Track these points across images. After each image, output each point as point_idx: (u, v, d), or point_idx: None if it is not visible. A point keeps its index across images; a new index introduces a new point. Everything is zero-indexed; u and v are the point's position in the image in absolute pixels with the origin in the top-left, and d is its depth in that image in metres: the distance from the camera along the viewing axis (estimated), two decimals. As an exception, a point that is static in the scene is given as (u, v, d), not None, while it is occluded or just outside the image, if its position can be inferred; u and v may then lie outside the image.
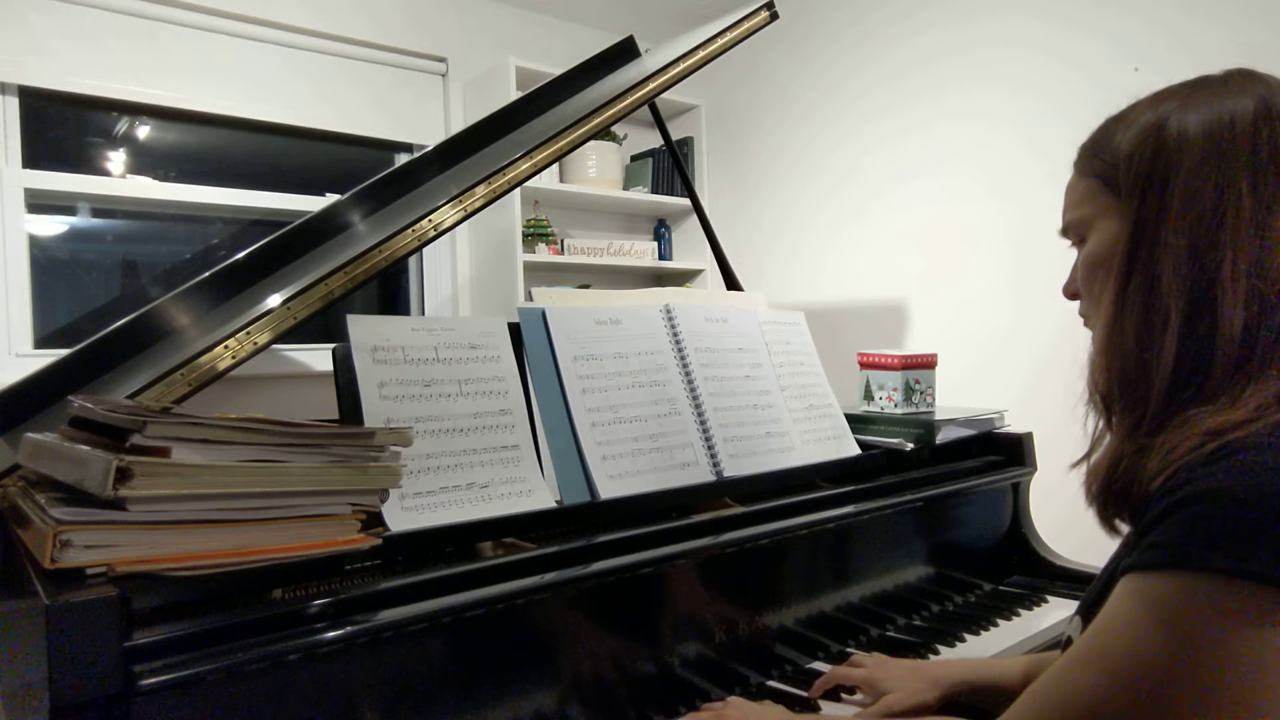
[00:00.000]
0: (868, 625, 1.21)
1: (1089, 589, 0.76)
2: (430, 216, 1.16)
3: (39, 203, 2.29)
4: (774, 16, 1.62)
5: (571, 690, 0.88)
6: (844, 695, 1.02)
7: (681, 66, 1.46)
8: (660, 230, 3.44)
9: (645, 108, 1.52)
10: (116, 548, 0.67)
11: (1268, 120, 0.63)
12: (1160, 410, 0.64)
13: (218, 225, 2.64)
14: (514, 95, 2.37)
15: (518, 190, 2.23)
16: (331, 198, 1.67)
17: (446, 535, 0.95)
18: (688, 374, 1.27)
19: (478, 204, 1.21)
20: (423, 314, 3.01)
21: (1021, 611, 1.32)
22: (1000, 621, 1.28)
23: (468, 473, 1.02)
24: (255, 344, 1.00)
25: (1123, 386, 0.68)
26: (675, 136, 3.08)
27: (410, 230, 1.14)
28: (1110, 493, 0.67)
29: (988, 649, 1.18)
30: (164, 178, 2.50)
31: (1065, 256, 0.79)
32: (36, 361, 1.49)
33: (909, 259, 2.67)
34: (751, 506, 1.15)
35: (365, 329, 1.02)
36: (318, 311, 1.06)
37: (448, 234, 1.28)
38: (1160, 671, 0.55)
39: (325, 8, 2.65)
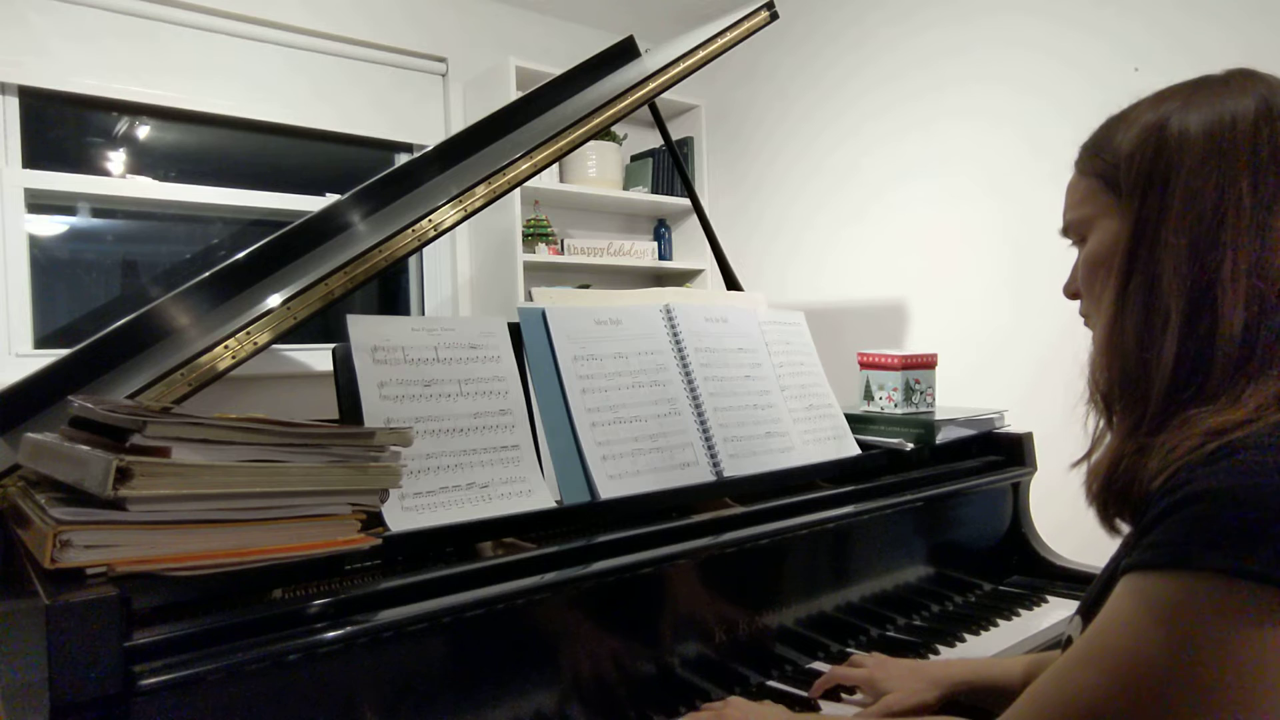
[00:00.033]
0: (868, 625, 1.21)
1: (1089, 589, 0.76)
2: (430, 216, 1.16)
3: (39, 203, 2.29)
4: (774, 16, 1.62)
5: (571, 690, 0.88)
6: (844, 695, 1.02)
7: (681, 66, 1.46)
8: (660, 230, 3.44)
9: (645, 108, 1.52)
10: (116, 548, 0.67)
11: (1269, 120, 0.63)
12: (1160, 410, 0.64)
13: (218, 225, 2.64)
14: (514, 95, 2.37)
15: (518, 190, 2.23)
16: (331, 198, 1.67)
17: (446, 535, 0.95)
18: (688, 374, 1.27)
19: (478, 204, 1.21)
20: (423, 314, 3.01)
21: (1021, 611, 1.32)
22: (1000, 621, 1.28)
23: (468, 473, 1.02)
24: (255, 344, 1.00)
25: (1123, 386, 0.68)
26: (675, 136, 3.08)
27: (410, 230, 1.14)
28: (1110, 492, 0.67)
29: (988, 649, 1.18)
30: (164, 178, 2.50)
31: (1065, 256, 0.79)
32: (36, 361, 1.49)
33: (909, 259, 2.67)
34: (751, 506, 1.15)
35: (365, 329, 1.02)
36: (318, 311, 1.06)
37: (448, 234, 1.28)
38: (1160, 671, 0.55)
39: (325, 8, 2.65)
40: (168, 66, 2.40)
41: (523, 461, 1.07)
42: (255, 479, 0.74)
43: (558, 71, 1.80)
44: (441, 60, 2.94)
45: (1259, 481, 0.54)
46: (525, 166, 1.26)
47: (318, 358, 2.33)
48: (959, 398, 1.90)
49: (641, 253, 3.22)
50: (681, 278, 3.41)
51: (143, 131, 2.49)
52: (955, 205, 2.53)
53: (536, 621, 0.87)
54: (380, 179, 1.58)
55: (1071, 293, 0.78)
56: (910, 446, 1.42)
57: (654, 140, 3.35)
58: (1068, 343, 0.88)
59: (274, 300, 1.04)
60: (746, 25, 1.57)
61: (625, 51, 1.87)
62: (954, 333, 2.51)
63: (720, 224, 2.93)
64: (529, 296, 2.79)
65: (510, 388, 1.10)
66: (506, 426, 1.08)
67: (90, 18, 2.28)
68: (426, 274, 3.01)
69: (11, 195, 2.21)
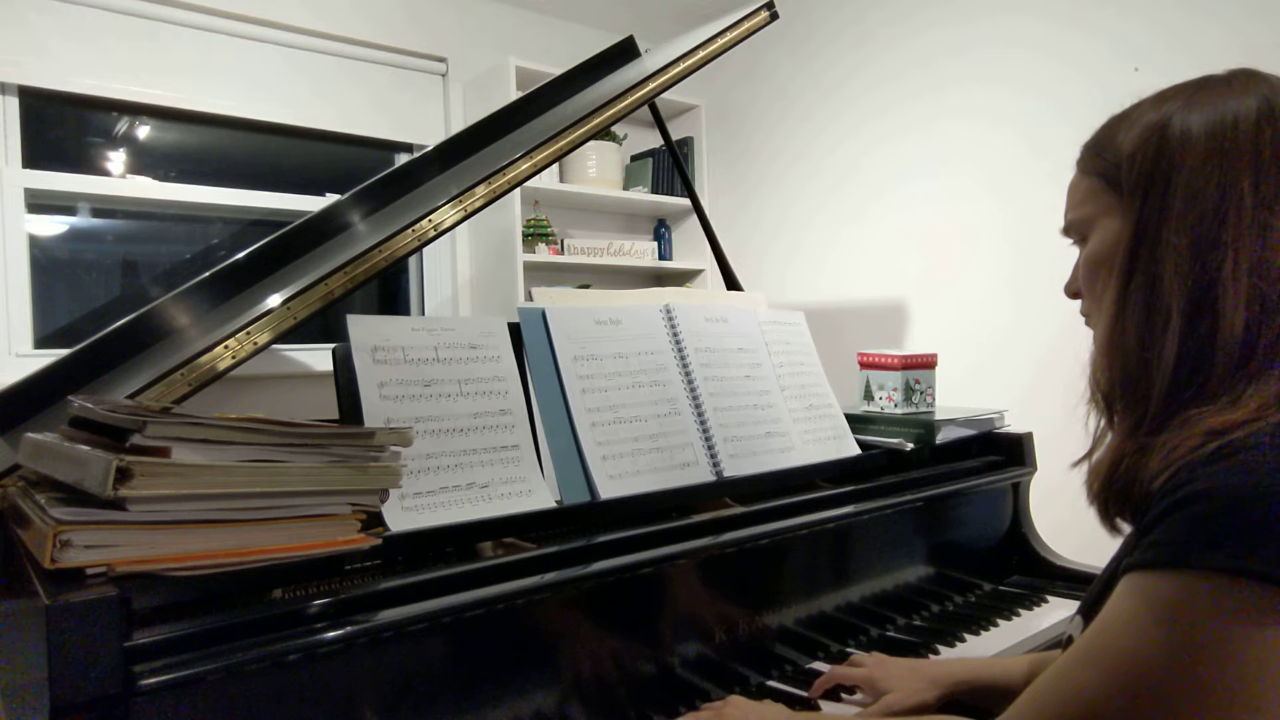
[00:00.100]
0: (868, 625, 1.21)
1: (1090, 588, 0.76)
2: (430, 216, 1.16)
3: (39, 203, 2.29)
4: (774, 16, 1.62)
5: (571, 690, 0.88)
6: (844, 695, 1.02)
7: (681, 66, 1.46)
8: (660, 230, 3.44)
9: (645, 108, 1.52)
10: (116, 548, 0.67)
11: (1270, 120, 0.63)
12: (1161, 409, 0.65)
13: (218, 225, 2.64)
14: (514, 95, 2.37)
15: (518, 190, 2.23)
16: (331, 198, 1.67)
17: (446, 535, 0.95)
18: (688, 374, 1.27)
19: (478, 204, 1.21)
20: (423, 314, 3.01)
21: (1021, 611, 1.32)
22: (1000, 621, 1.28)
23: (468, 473, 1.02)
24: (255, 344, 1.00)
25: (1124, 385, 0.68)
26: (675, 136, 3.08)
27: (410, 230, 1.14)
28: (1111, 492, 0.68)
29: (988, 649, 1.18)
30: (164, 178, 2.50)
31: (1065, 256, 0.79)
32: (36, 361, 1.49)
33: (909, 259, 2.67)
34: (751, 506, 1.14)
35: (365, 329, 1.02)
36: (318, 311, 1.06)
37: (448, 234, 1.28)
38: (1161, 670, 0.55)
39: (325, 8, 2.65)
40: (168, 66, 2.40)
41: (523, 461, 1.07)
42: (255, 479, 0.73)
43: (558, 71, 1.80)
44: (441, 60, 2.94)
45: (1260, 481, 0.54)
46: (525, 166, 1.26)
47: (318, 358, 2.32)
48: (959, 398, 1.90)
49: (641, 253, 3.22)
50: (681, 278, 3.41)
51: (143, 131, 2.49)
52: (955, 205, 2.53)
53: (536, 621, 0.87)
54: (380, 179, 1.58)
55: (1072, 292, 0.78)
56: (910, 446, 1.42)
57: (654, 140, 3.35)
58: (1068, 343, 0.88)
59: (274, 300, 1.04)
60: (746, 25, 1.57)
61: (625, 51, 1.87)
62: (954, 333, 2.51)
63: (720, 224, 2.93)
64: (529, 296, 2.79)
65: (510, 388, 1.10)
66: (506, 426, 1.08)
67: (90, 18, 2.28)
68: (426, 274, 3.01)
69: (11, 195, 2.21)
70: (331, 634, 0.72)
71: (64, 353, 1.26)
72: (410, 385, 1.02)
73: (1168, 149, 0.66)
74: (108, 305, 2.44)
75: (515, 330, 1.15)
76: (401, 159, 2.80)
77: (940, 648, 1.17)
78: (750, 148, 3.22)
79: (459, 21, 2.96)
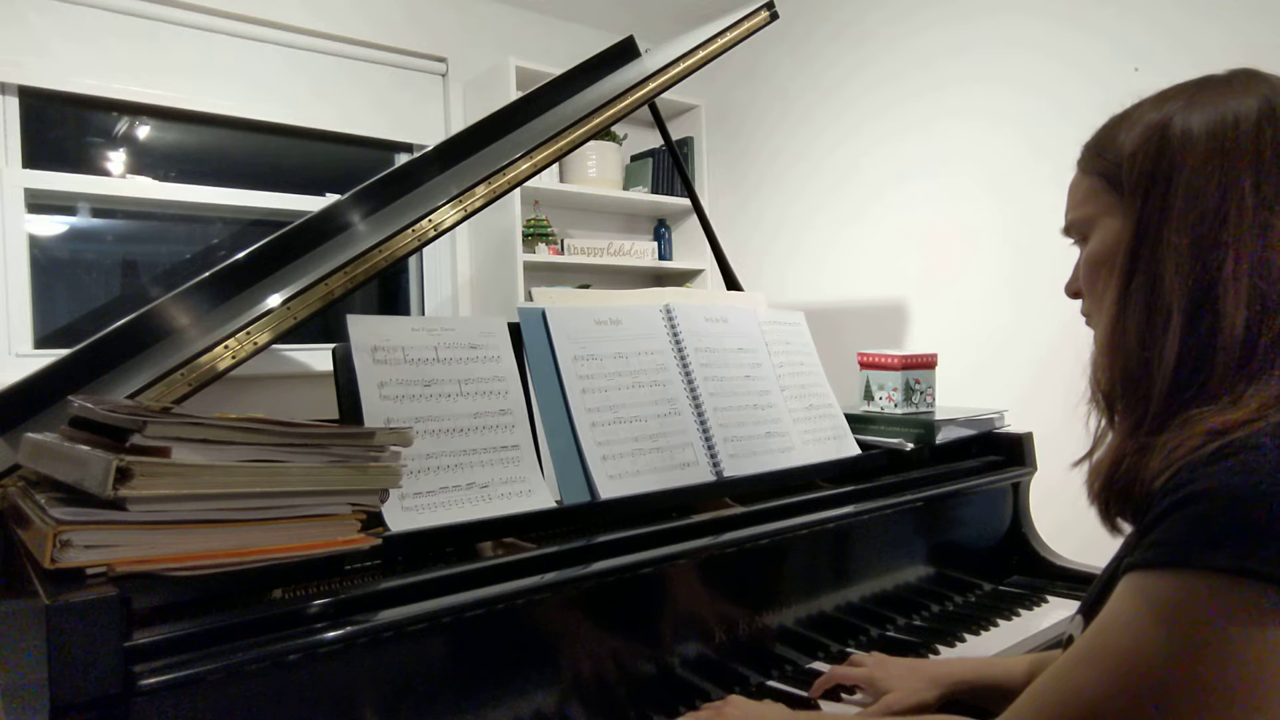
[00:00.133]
0: (868, 625, 1.21)
1: (1091, 588, 0.76)
2: (430, 216, 1.16)
3: (39, 203, 2.29)
4: (774, 16, 1.62)
5: (571, 690, 0.88)
6: (844, 695, 1.02)
7: (681, 66, 1.46)
8: (660, 230, 3.44)
9: (645, 108, 1.52)
10: (116, 548, 0.67)
11: (1271, 120, 0.64)
12: (1162, 409, 0.65)
13: (218, 225, 2.64)
14: (514, 95, 2.37)
15: (518, 190, 2.23)
16: (331, 198, 1.67)
17: (446, 535, 0.95)
18: (688, 374, 1.27)
19: (478, 204, 1.21)
20: (423, 314, 3.01)
21: (1021, 611, 1.32)
22: (1000, 621, 1.28)
23: (468, 473, 1.02)
24: (255, 344, 1.00)
25: (1125, 385, 0.68)
26: (675, 136, 3.08)
27: (410, 230, 1.14)
28: (1112, 491, 0.68)
29: (988, 649, 1.18)
30: (164, 178, 2.50)
31: (1066, 256, 0.79)
32: (36, 361, 1.49)
33: (909, 259, 2.67)
34: (751, 506, 1.14)
35: (365, 329, 1.02)
36: (318, 311, 1.06)
37: (448, 234, 1.28)
38: (1161, 670, 0.55)
39: (325, 8, 2.65)
40: (168, 66, 2.40)
41: (523, 461, 1.07)
42: (255, 479, 0.73)
43: (558, 71, 1.80)
44: (441, 60, 2.94)
45: (1261, 481, 0.54)
46: (525, 166, 1.26)
47: (318, 358, 2.32)
48: (959, 398, 1.90)
49: (641, 253, 3.22)
50: (681, 278, 3.41)
51: (143, 131, 2.49)
52: (955, 205, 2.53)
53: (536, 621, 0.87)
54: (380, 179, 1.58)
55: (1073, 292, 0.78)
56: (910, 446, 1.42)
57: (654, 140, 3.35)
58: (1068, 343, 0.88)
59: (274, 300, 1.04)
60: (746, 25, 1.57)
61: (625, 51, 1.87)
62: (954, 333, 2.51)
63: (720, 224, 2.93)
64: (529, 296, 2.79)
65: (510, 388, 1.10)
66: (506, 426, 1.08)
67: (90, 18, 2.28)
68: (426, 274, 3.01)
69: (11, 195, 2.21)
70: (331, 634, 0.72)
71: (64, 353, 1.26)
72: (410, 385, 1.02)
73: (1169, 149, 0.66)
74: (108, 305, 2.44)
75: (515, 330, 1.15)
76: (401, 159, 2.80)
77: (940, 648, 1.17)
78: (750, 148, 3.22)
79: (459, 21, 2.96)
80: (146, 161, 2.49)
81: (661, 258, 3.33)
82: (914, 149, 2.64)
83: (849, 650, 1.14)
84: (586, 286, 3.09)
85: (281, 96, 2.61)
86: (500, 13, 3.06)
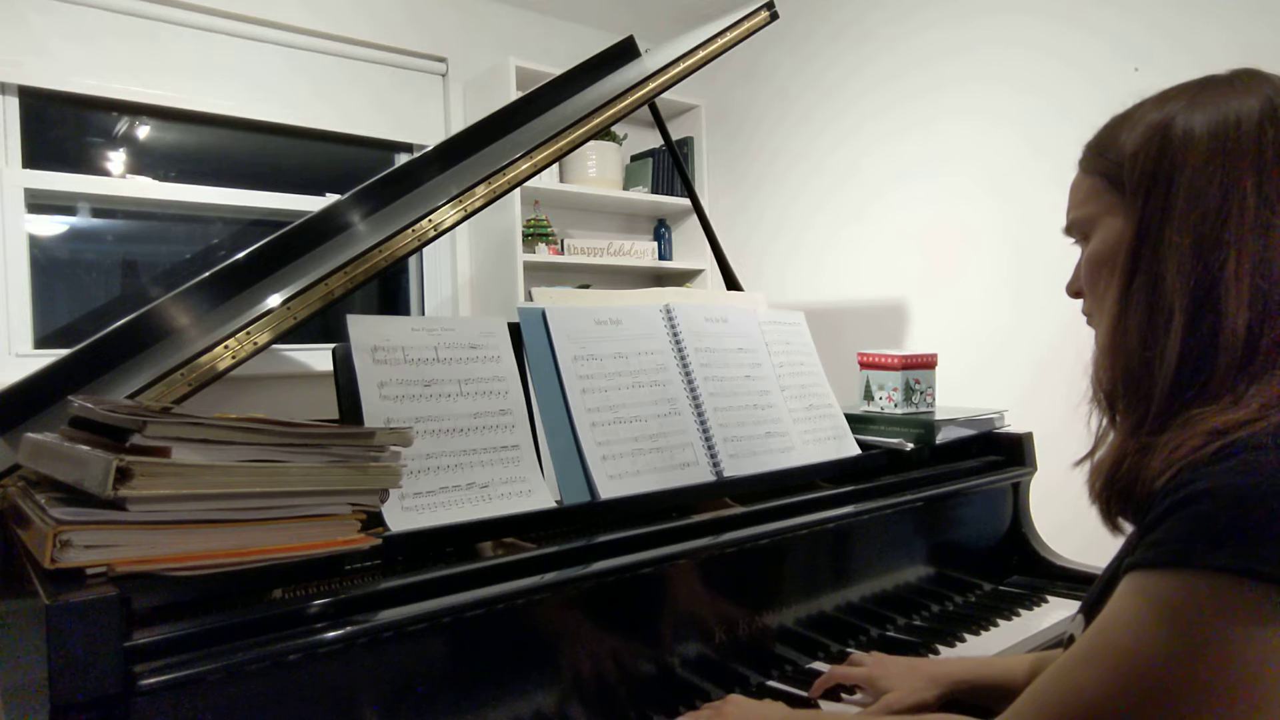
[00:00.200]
0: (868, 625, 1.21)
1: (1092, 588, 0.76)
2: (430, 216, 1.16)
3: (39, 203, 2.29)
4: (774, 16, 1.62)
5: (571, 690, 0.88)
6: (844, 695, 1.02)
7: (681, 66, 1.46)
8: (660, 230, 3.44)
9: (645, 108, 1.52)
10: (116, 548, 0.67)
11: (1273, 121, 0.64)
12: (1163, 409, 0.65)
13: (218, 225, 2.64)
14: (514, 95, 2.37)
15: (518, 190, 2.23)
16: (331, 198, 1.67)
17: (446, 535, 0.95)
18: (688, 374, 1.27)
19: (478, 204, 1.21)
20: (423, 314, 3.01)
21: (1021, 611, 1.32)
22: (1000, 621, 1.28)
23: (468, 473, 1.02)
24: (255, 344, 1.00)
25: (1126, 385, 0.68)
26: (675, 136, 3.08)
27: (410, 230, 1.14)
28: (1113, 491, 0.68)
29: (988, 649, 1.18)
30: (164, 178, 2.50)
31: (1066, 257, 0.79)
32: (36, 361, 1.49)
33: (909, 259, 2.67)
34: (751, 506, 1.14)
35: (365, 329, 1.02)
36: (318, 311, 1.06)
37: (448, 234, 1.28)
38: (1162, 669, 0.55)
39: (325, 8, 2.65)
40: (168, 66, 2.40)
41: (523, 461, 1.07)
42: (255, 479, 0.73)
43: (558, 71, 1.80)
44: (441, 60, 2.94)
45: (1262, 481, 0.54)
46: (525, 166, 1.25)
47: (318, 358, 2.32)
48: (959, 398, 1.90)
49: (641, 253, 3.22)
50: (681, 278, 3.41)
51: (143, 131, 2.49)
52: (955, 205, 2.53)
53: (536, 621, 0.87)
54: (380, 179, 1.58)
55: (1074, 292, 0.78)
56: (910, 446, 1.42)
57: (654, 140, 3.35)
58: (1068, 343, 0.88)
59: (274, 300, 1.04)
60: (746, 25, 1.57)
61: (625, 51, 1.87)
62: (954, 333, 2.51)
63: (720, 224, 2.93)
64: (529, 296, 2.79)
65: (510, 388, 1.10)
66: (506, 426, 1.08)
67: (90, 18, 2.28)
68: (426, 274, 3.01)
69: (11, 195, 2.21)
70: (331, 634, 0.72)
71: (64, 353, 1.26)
72: (410, 385, 1.02)
73: (1170, 149, 0.66)
74: (108, 305, 2.44)
75: (515, 330, 1.15)
76: (401, 159, 2.80)
77: (940, 648, 1.17)
78: (750, 148, 3.22)
79: (459, 21, 2.96)
80: (146, 161, 2.49)
81: (661, 258, 3.33)
82: (914, 149, 2.64)
83: (849, 650, 1.14)
84: (586, 286, 3.09)
85: (281, 96, 2.61)
86: (500, 13, 3.06)
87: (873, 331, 2.74)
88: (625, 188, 3.22)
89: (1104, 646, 0.58)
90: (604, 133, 1.83)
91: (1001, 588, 1.44)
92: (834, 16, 2.88)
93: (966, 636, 1.21)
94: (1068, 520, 1.37)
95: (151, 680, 0.63)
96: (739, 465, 1.23)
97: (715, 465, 1.22)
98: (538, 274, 3.03)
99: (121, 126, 2.46)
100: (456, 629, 0.80)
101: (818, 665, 1.11)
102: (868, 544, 1.23)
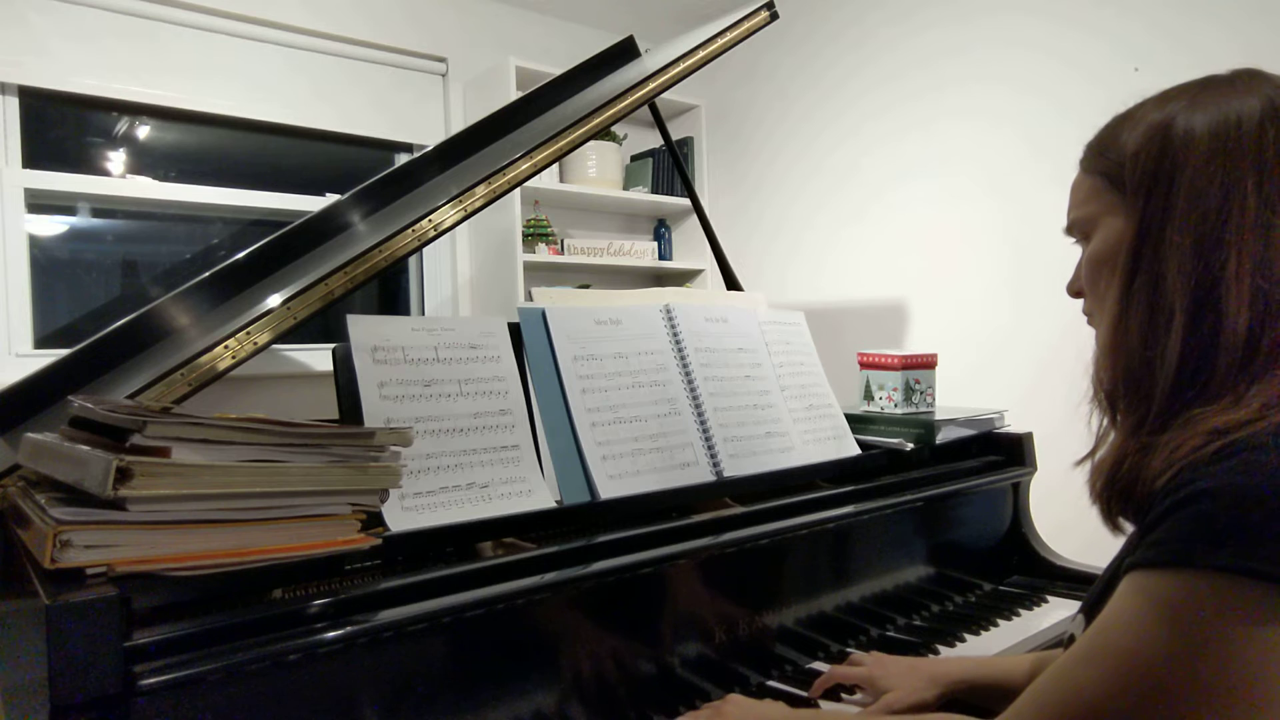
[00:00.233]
0: (868, 625, 1.21)
1: (1092, 587, 0.76)
2: (430, 216, 1.16)
3: (39, 203, 2.29)
4: (774, 16, 1.62)
5: (571, 690, 0.88)
6: (844, 695, 1.02)
7: (681, 66, 1.46)
8: (660, 230, 3.44)
9: (645, 108, 1.52)
10: (116, 548, 0.67)
11: (1275, 121, 0.64)
12: (1164, 409, 0.65)
13: (218, 225, 2.64)
14: (514, 95, 2.37)
15: (518, 190, 2.23)
16: (331, 198, 1.67)
17: (446, 535, 0.95)
18: (688, 374, 1.27)
19: (478, 204, 1.21)
20: (423, 314, 3.01)
21: (1021, 611, 1.32)
22: (1000, 621, 1.27)
23: (468, 473, 1.02)
24: (255, 344, 1.00)
25: (1127, 384, 0.68)
26: (675, 136, 3.08)
27: (410, 230, 1.14)
28: (1114, 491, 0.68)
29: (988, 649, 1.18)
30: (164, 178, 2.50)
31: (1066, 257, 0.79)
32: (36, 361, 1.49)
33: (909, 259, 2.67)
34: (751, 506, 1.14)
35: (365, 329, 1.02)
36: (318, 311, 1.06)
37: (448, 234, 1.28)
38: (1163, 669, 0.55)
39: (325, 8, 2.65)
40: (168, 66, 2.40)
41: (523, 461, 1.07)
42: (255, 479, 0.73)
43: (558, 71, 1.80)
44: (441, 60, 2.94)
45: (1263, 481, 0.54)
46: (525, 166, 1.25)
47: (318, 358, 2.32)
48: (959, 398, 1.90)
49: (641, 253, 3.22)
50: (681, 278, 3.41)
51: (143, 131, 2.49)
52: (955, 205, 2.53)
53: (536, 621, 0.87)
54: (380, 179, 1.58)
55: (1075, 291, 0.78)
56: (910, 446, 1.42)
57: (654, 140, 3.35)
58: (1068, 343, 0.88)
59: (274, 300, 1.04)
60: (746, 25, 1.57)
61: (625, 51, 1.87)
62: (954, 333, 2.51)
63: (720, 224, 2.93)
64: (529, 296, 2.79)
65: (510, 388, 1.10)
66: (506, 426, 1.08)
67: (90, 18, 2.28)
68: (426, 274, 3.01)
69: (11, 195, 2.21)
70: (331, 634, 0.72)
71: (64, 353, 1.26)
72: (410, 385, 1.02)
73: (1171, 148, 0.66)
74: (108, 305, 2.44)
75: (515, 330, 1.15)
76: (401, 159, 2.80)
77: (940, 648, 1.17)
78: (750, 148, 3.22)
79: (459, 21, 2.96)
80: (146, 161, 2.49)
81: (661, 258, 3.33)
82: (914, 149, 2.64)
83: (849, 650, 1.14)
84: (586, 286, 3.09)
85: (281, 96, 2.60)
86: (500, 13, 3.06)
87: (873, 331, 2.74)
88: (625, 188, 3.22)
89: (1104, 646, 0.58)
90: (604, 133, 1.83)
91: (1001, 588, 1.44)
92: (834, 16, 2.88)
93: (966, 636, 1.21)
94: (1068, 520, 1.37)
95: (151, 680, 0.63)
96: (739, 465, 1.23)
97: (715, 465, 1.22)
98: (538, 274, 3.03)
99: (121, 126, 2.46)
100: (456, 629, 0.80)
101: (818, 665, 1.11)
102: (868, 544, 1.23)
